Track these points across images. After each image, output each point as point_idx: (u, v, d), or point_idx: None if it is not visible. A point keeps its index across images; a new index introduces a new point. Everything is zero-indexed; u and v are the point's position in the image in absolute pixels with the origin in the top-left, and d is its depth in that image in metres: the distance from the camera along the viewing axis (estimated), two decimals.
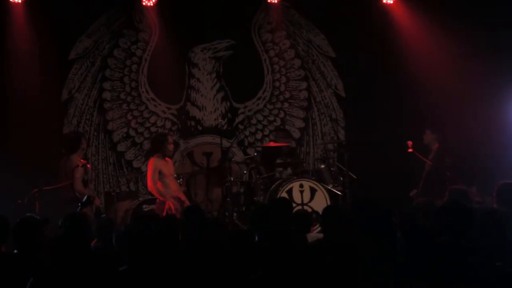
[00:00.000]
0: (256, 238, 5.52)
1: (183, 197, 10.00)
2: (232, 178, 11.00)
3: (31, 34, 10.99)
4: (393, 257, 4.30)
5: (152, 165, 9.67)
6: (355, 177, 10.83)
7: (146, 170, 9.95)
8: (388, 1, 11.92)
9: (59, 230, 6.14)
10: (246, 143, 12.11)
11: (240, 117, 12.20)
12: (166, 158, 9.87)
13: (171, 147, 9.87)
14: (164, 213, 9.35)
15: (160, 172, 9.64)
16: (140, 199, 10.65)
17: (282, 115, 12.33)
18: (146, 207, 10.16)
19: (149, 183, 9.66)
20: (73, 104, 11.58)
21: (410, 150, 9.86)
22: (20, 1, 10.91)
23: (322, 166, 11.10)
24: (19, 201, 9.05)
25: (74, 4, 11.06)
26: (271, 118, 12.30)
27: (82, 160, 10.13)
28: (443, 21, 11.23)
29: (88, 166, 10.64)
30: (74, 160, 9.38)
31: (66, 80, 11.54)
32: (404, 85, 11.83)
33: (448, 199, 6.57)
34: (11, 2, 10.88)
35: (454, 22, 11.13)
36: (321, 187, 10.43)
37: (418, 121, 11.07)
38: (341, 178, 10.87)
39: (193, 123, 12.07)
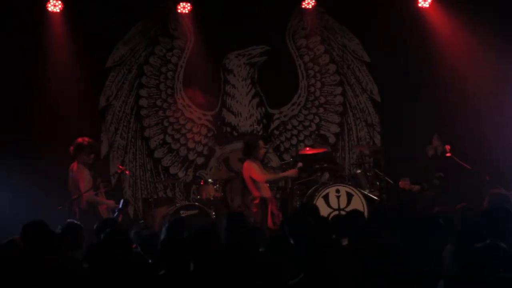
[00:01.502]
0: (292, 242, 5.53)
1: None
2: (268, 184, 11.01)
3: (69, 42, 11.16)
4: (438, 261, 4.29)
5: (251, 166, 9.86)
6: (391, 182, 10.77)
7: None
8: (424, 5, 11.83)
9: (96, 236, 6.23)
10: (281, 149, 12.12)
11: (276, 123, 12.21)
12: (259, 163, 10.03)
13: (262, 152, 10.05)
14: (269, 216, 9.58)
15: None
16: (177, 205, 10.70)
17: (317, 120, 12.32)
18: (183, 213, 10.22)
19: (261, 178, 9.85)
20: (111, 111, 11.71)
21: (448, 154, 9.76)
22: (58, 11, 11.07)
23: (359, 171, 11.07)
24: (59, 207, 9.16)
25: (110, 12, 11.16)
26: (306, 124, 12.30)
27: (121, 167, 10.27)
28: (479, 25, 11.13)
29: (127, 172, 10.80)
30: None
31: (104, 87, 11.68)
32: (440, 89, 11.72)
33: (489, 203, 6.50)
34: (50, 11, 11.05)
35: (490, 26, 11.02)
36: (357, 192, 10.40)
37: (455, 125, 10.96)
38: (378, 183, 10.83)
39: (228, 129, 12.12)
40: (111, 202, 9.36)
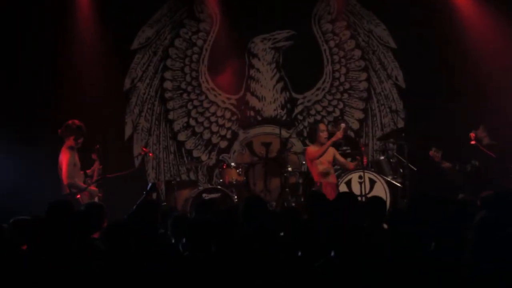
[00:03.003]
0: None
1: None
2: (290, 169, 11.02)
3: (95, 24, 11.23)
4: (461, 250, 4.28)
5: (310, 150, 10.09)
6: (415, 169, 10.72)
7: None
8: None
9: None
10: (304, 134, 12.10)
11: (299, 108, 12.19)
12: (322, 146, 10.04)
13: (324, 134, 10.04)
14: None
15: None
16: (200, 188, 10.76)
17: (341, 106, 12.28)
18: (206, 196, 10.28)
19: (314, 154, 9.97)
20: (135, 94, 11.77)
21: (472, 142, 9.67)
22: None
23: (382, 157, 11.04)
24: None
25: None
26: (330, 109, 12.27)
27: (144, 149, 10.30)
28: (508, 12, 10.99)
29: (150, 154, 10.85)
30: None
31: (129, 69, 11.74)
32: (466, 76, 11.59)
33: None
34: None
35: None
36: (380, 178, 10.36)
37: (480, 113, 10.86)
38: (401, 170, 10.78)
39: (252, 113, 12.12)
40: (94, 190, 9.07)
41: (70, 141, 8.99)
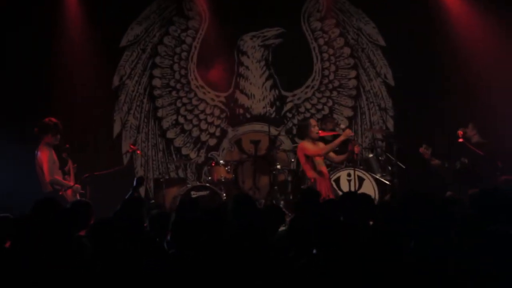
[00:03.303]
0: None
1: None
2: (279, 166, 11.02)
3: (83, 21, 11.19)
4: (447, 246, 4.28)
5: (304, 145, 9.76)
6: (404, 166, 10.74)
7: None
8: None
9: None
10: (294, 132, 12.09)
11: (289, 105, 12.19)
12: (315, 142, 9.87)
13: (315, 129, 9.83)
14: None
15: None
16: (188, 185, 10.74)
17: (330, 103, 12.28)
18: (194, 194, 10.26)
19: (320, 151, 9.75)
20: (124, 91, 11.74)
21: (460, 140, 9.68)
22: None
23: (371, 155, 11.05)
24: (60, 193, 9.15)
25: None
26: (319, 107, 12.26)
27: (132, 146, 10.29)
28: (497, 9, 11.02)
29: (138, 152, 10.83)
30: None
31: (117, 67, 11.69)
32: (455, 74, 11.61)
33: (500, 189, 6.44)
34: None
35: (509, 11, 10.91)
36: (369, 176, 10.37)
37: (469, 111, 10.88)
38: (390, 168, 10.80)
39: (241, 111, 12.11)
40: (77, 186, 9.05)
41: (48, 138, 8.99)
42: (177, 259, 4.84)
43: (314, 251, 4.55)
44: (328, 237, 4.41)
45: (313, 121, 10.00)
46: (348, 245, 4.32)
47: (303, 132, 9.97)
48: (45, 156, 8.88)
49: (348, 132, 9.84)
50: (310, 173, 9.80)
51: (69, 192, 8.96)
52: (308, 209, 6.33)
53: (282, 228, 6.08)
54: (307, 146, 9.76)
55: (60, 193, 8.80)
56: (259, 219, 5.68)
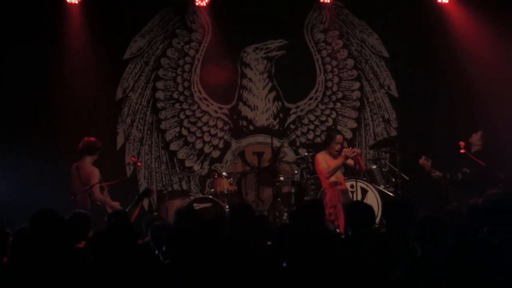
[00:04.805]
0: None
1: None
2: (282, 178, 11.01)
3: (87, 34, 11.23)
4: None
5: (318, 158, 9.62)
6: (407, 178, 10.70)
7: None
8: (443, 1, 11.72)
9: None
10: (297, 143, 12.09)
11: (292, 117, 12.18)
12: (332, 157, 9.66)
13: (338, 147, 9.62)
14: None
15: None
16: (191, 197, 10.73)
17: (334, 115, 12.27)
18: (197, 206, 10.24)
19: (323, 172, 9.56)
20: (127, 103, 11.76)
21: (462, 151, 9.64)
22: (76, 2, 11.13)
23: (374, 166, 11.01)
24: (71, 197, 9.21)
25: (128, 4, 11.24)
26: (323, 118, 12.26)
27: (133, 158, 10.32)
28: (499, 21, 11.02)
29: (139, 164, 10.84)
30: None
31: (121, 79, 11.72)
32: (458, 85, 11.61)
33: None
34: (68, 2, 11.11)
35: (511, 22, 10.91)
36: (372, 187, 10.35)
37: (471, 122, 10.85)
38: (393, 179, 10.77)
39: (244, 123, 12.11)
40: (116, 204, 9.27)
41: (93, 157, 9.38)
42: (171, 270, 4.84)
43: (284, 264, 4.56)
44: (298, 249, 4.43)
45: (339, 137, 9.74)
46: (319, 257, 4.33)
47: (326, 141, 9.84)
48: (94, 173, 9.24)
49: (346, 152, 9.52)
50: (323, 183, 9.73)
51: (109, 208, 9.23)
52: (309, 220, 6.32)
53: None
54: (319, 160, 9.61)
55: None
56: (257, 229, 5.66)
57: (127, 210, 7.60)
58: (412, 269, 4.57)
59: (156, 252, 5.73)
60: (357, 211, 5.88)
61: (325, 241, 4.53)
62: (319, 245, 4.52)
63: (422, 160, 9.64)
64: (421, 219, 5.04)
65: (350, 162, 9.67)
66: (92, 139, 9.42)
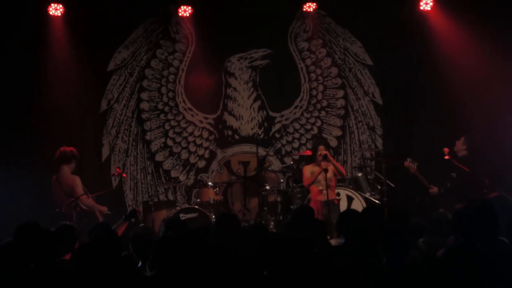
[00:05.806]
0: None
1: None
2: (268, 187, 11.00)
3: (70, 46, 11.21)
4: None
5: (304, 171, 9.98)
6: (393, 185, 10.73)
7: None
8: (426, 8, 11.79)
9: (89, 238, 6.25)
10: (283, 152, 12.10)
11: (277, 126, 12.20)
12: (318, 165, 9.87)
13: (318, 158, 9.83)
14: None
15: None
16: (177, 208, 10.70)
17: (319, 123, 12.30)
18: (183, 216, 10.21)
19: (304, 183, 9.96)
20: (112, 115, 11.74)
21: (446, 157, 9.69)
22: (59, 14, 11.11)
23: (360, 174, 11.03)
24: (57, 210, 9.19)
25: (112, 16, 11.23)
26: (308, 127, 12.28)
27: (118, 169, 10.31)
28: (481, 28, 11.08)
29: (124, 175, 10.82)
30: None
31: (105, 90, 11.70)
32: (442, 93, 11.66)
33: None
34: (51, 15, 11.09)
35: (493, 30, 10.98)
36: (358, 195, 10.36)
37: (455, 128, 10.90)
38: (379, 187, 10.79)
39: (230, 132, 12.11)
40: (104, 208, 9.49)
41: (72, 166, 9.74)
42: (156, 281, 4.82)
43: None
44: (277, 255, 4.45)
45: (320, 148, 9.94)
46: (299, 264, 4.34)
47: (313, 154, 10.06)
48: (75, 181, 9.58)
49: (321, 165, 9.75)
50: (311, 193, 9.95)
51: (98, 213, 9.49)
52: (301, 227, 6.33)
53: None
54: (304, 171, 9.95)
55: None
56: (242, 238, 5.65)
57: (113, 228, 7.55)
58: (378, 276, 4.60)
59: (139, 264, 5.72)
60: (348, 219, 5.89)
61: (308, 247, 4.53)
62: (303, 252, 4.52)
63: (407, 163, 9.69)
64: (386, 226, 5.08)
65: (332, 169, 9.77)
66: (68, 148, 9.64)
